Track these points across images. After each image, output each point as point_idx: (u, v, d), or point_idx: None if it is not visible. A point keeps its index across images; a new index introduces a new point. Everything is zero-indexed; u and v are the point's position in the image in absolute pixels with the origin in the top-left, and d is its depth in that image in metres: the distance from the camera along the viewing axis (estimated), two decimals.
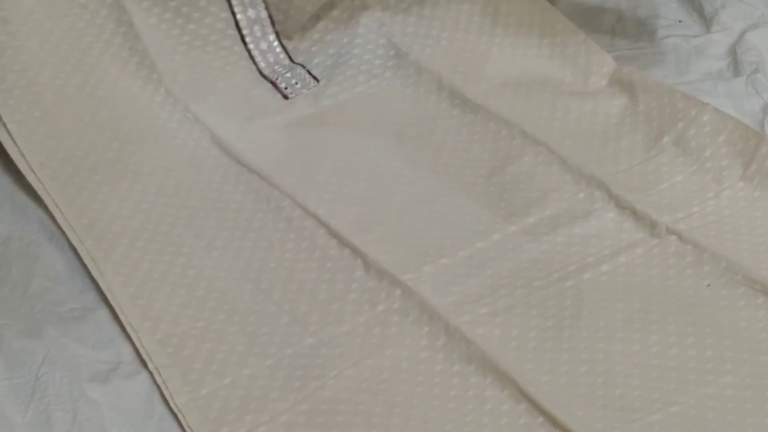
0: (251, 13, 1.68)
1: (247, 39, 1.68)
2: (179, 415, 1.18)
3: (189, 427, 1.17)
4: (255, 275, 1.35)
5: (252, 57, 1.67)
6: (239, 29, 1.67)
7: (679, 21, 1.83)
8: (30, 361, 1.21)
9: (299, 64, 1.68)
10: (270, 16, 1.69)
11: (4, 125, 1.49)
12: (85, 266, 1.36)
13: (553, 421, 1.15)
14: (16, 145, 1.47)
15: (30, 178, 1.45)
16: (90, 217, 1.41)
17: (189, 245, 1.39)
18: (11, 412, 1.16)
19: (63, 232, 1.41)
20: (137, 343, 1.25)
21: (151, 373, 1.23)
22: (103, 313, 1.31)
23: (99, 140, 1.52)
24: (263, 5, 1.69)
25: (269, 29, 1.69)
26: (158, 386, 1.22)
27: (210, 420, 1.17)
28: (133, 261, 1.36)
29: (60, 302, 1.31)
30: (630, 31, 1.81)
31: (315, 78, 1.66)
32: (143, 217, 1.42)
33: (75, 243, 1.37)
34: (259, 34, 1.68)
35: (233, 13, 1.67)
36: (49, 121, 1.51)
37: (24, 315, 1.28)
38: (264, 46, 1.69)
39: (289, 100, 1.63)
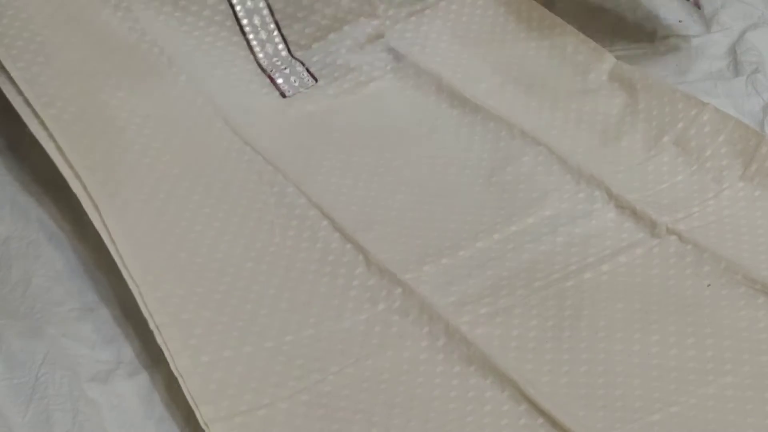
0: (249, 3, 1.68)
1: (247, 29, 1.67)
2: (180, 380, 1.17)
3: (189, 392, 1.16)
4: (255, 255, 1.34)
5: (251, 48, 1.67)
6: (238, 20, 1.66)
7: (680, 21, 1.83)
8: (30, 361, 1.22)
9: (298, 59, 1.68)
10: (269, 5, 1.69)
11: (9, 77, 1.46)
12: (85, 266, 1.36)
13: (553, 421, 1.15)
14: (22, 94, 1.44)
15: (32, 127, 1.41)
16: (93, 160, 1.39)
17: (191, 210, 1.37)
18: (11, 412, 1.16)
19: (63, 232, 1.41)
20: (138, 300, 1.24)
21: (150, 373, 1.23)
22: (103, 313, 1.31)
23: (106, 85, 1.50)
24: None
25: (269, 18, 1.69)
26: (158, 387, 1.22)
27: (210, 391, 1.17)
28: (134, 214, 1.34)
29: (60, 302, 1.31)
30: (630, 31, 1.81)
31: (313, 77, 1.66)
32: (145, 172, 1.40)
33: (75, 189, 1.35)
34: (258, 23, 1.68)
35: (231, 5, 1.67)
36: (54, 65, 1.49)
37: (24, 315, 1.28)
38: (264, 35, 1.68)
39: (286, 99, 1.63)
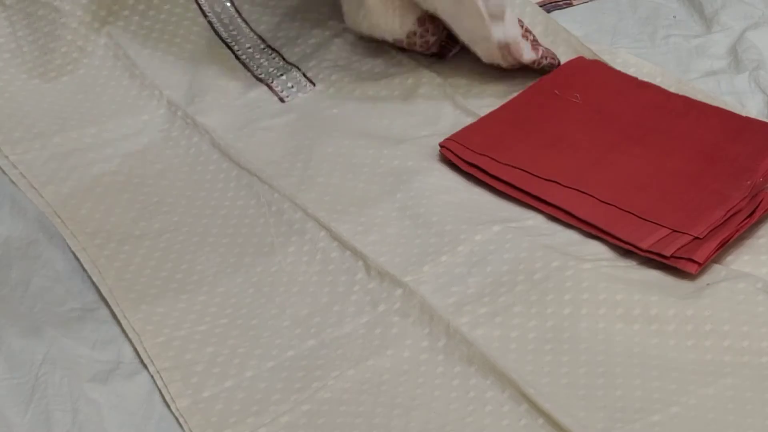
0: (231, 29, 1.71)
1: (238, 52, 1.70)
2: (180, 420, 1.18)
3: (191, 431, 1.17)
4: (257, 280, 1.35)
5: (245, 65, 1.69)
6: (228, 45, 1.70)
7: (674, 17, 1.83)
8: (30, 361, 1.21)
9: (293, 65, 1.68)
10: (249, 26, 1.72)
11: None
12: (85, 267, 1.36)
13: (553, 422, 1.15)
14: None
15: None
16: (93, 226, 1.41)
17: (192, 251, 1.39)
18: (11, 412, 1.16)
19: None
20: (139, 347, 1.25)
21: (151, 374, 1.24)
22: (103, 313, 1.31)
23: (93, 152, 1.54)
24: (239, 18, 1.74)
25: (256, 38, 1.72)
26: (158, 387, 1.22)
27: (211, 423, 1.17)
28: (136, 268, 1.36)
29: (60, 302, 1.31)
30: (630, 31, 1.81)
31: (311, 81, 1.67)
32: (146, 225, 1.43)
33: (76, 250, 1.38)
34: (247, 44, 1.70)
35: (215, 31, 1.70)
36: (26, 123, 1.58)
37: (24, 315, 1.28)
38: (257, 55, 1.70)
39: (285, 104, 1.64)
